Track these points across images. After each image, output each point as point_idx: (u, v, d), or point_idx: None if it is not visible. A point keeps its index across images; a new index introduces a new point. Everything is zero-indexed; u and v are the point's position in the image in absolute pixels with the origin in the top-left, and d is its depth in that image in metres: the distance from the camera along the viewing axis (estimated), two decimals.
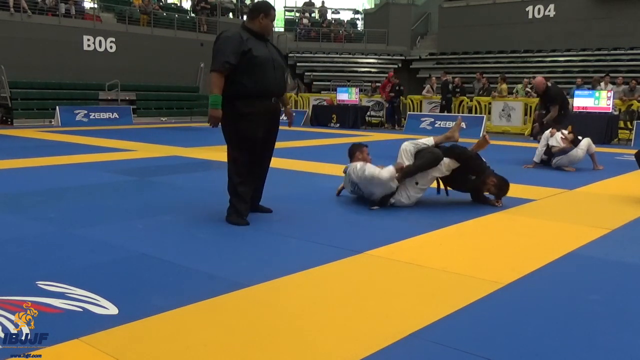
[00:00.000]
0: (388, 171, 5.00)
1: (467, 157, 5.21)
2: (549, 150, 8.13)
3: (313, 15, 26.64)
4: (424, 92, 17.79)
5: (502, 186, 5.32)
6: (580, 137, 8.15)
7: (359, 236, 4.19)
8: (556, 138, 8.10)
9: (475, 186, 5.35)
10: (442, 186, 5.41)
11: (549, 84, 9.18)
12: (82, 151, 9.45)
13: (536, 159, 8.21)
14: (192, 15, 22.56)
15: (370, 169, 5.07)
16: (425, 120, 15.93)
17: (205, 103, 20.46)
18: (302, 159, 8.65)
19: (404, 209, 5.15)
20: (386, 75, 22.57)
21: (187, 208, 5.10)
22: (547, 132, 8.26)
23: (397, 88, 17.17)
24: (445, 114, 16.01)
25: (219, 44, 4.41)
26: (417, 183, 5.14)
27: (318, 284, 3.16)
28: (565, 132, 8.19)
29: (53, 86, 17.12)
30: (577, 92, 13.62)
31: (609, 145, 12.32)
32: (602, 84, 14.72)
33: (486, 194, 5.38)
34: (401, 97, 17.34)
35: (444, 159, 5.11)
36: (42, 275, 3.13)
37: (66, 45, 17.59)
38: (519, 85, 16.15)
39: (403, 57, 23.56)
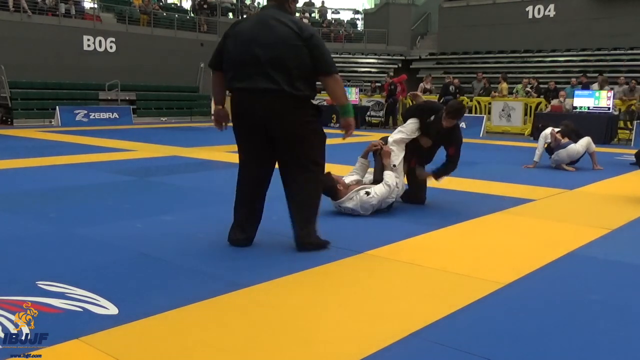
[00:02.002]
0: (390, 177, 4.98)
1: (415, 108, 5.41)
2: (550, 148, 8.15)
3: (313, 15, 26.64)
4: (421, 90, 17.80)
5: (458, 108, 5.17)
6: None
7: (359, 236, 4.18)
8: (545, 132, 8.16)
9: (438, 130, 5.18)
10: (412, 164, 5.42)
11: None
12: (82, 151, 9.45)
13: (536, 158, 8.22)
14: (192, 15, 22.56)
15: (377, 193, 4.84)
16: None
17: (205, 103, 20.48)
18: None
19: (404, 209, 5.14)
20: (385, 75, 22.60)
21: (187, 208, 5.10)
22: (546, 131, 8.28)
23: (391, 87, 17.21)
24: None
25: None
26: (394, 166, 5.15)
27: (318, 284, 3.16)
28: (556, 129, 8.22)
29: (53, 86, 17.11)
30: (577, 92, 13.63)
31: (609, 145, 12.32)
32: (596, 84, 14.70)
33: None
34: (401, 97, 17.33)
35: (409, 124, 5.28)
36: (42, 275, 3.13)
37: (66, 45, 17.59)
38: (519, 85, 16.14)
39: (403, 57, 23.56)
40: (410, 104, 17.48)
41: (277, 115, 3.59)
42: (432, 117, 5.17)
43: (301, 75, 3.56)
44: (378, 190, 4.82)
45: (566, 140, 8.09)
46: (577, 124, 8.85)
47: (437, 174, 5.31)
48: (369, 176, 5.20)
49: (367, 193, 4.79)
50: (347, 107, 3.76)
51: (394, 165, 5.10)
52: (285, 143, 3.69)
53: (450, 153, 5.25)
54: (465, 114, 15.04)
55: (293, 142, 3.68)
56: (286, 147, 3.69)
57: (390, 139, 5.24)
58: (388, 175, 4.95)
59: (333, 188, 4.78)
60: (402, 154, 5.23)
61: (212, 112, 4.00)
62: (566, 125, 8.42)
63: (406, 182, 5.45)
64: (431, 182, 5.37)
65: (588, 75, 15.75)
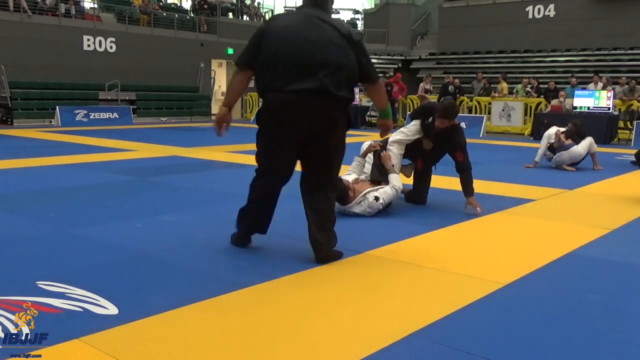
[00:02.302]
0: (397, 180, 4.96)
1: (415, 111, 5.35)
2: (552, 148, 8.15)
3: None
4: (422, 90, 17.80)
5: (446, 107, 5.10)
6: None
7: (359, 236, 4.18)
8: (549, 132, 8.17)
9: (440, 135, 5.14)
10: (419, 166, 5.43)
11: None
12: (82, 151, 9.45)
13: (537, 158, 8.22)
14: (192, 15, 22.55)
15: (385, 198, 4.83)
16: None
17: (205, 103, 20.49)
18: None
19: (404, 209, 5.14)
20: (383, 75, 22.56)
21: (187, 208, 5.10)
22: (550, 131, 8.28)
23: (387, 88, 17.26)
24: None
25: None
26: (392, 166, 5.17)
27: (318, 284, 3.16)
28: (562, 129, 8.22)
29: (53, 86, 17.10)
30: (577, 92, 13.64)
31: (609, 145, 12.32)
32: (592, 83, 14.71)
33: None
34: (400, 97, 17.33)
35: (411, 125, 5.27)
36: (42, 275, 3.13)
37: (66, 45, 17.58)
38: (519, 85, 16.15)
39: (403, 57, 23.56)
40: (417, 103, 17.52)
41: (323, 120, 3.39)
42: (430, 119, 5.16)
43: (348, 79, 3.41)
44: (386, 195, 4.84)
45: (569, 141, 8.10)
46: None
47: (468, 193, 5.05)
48: (362, 176, 5.20)
49: (376, 198, 4.80)
50: (388, 110, 3.72)
51: (392, 166, 5.11)
52: (322, 151, 3.49)
53: (459, 159, 5.08)
54: (460, 114, 14.98)
55: (328, 151, 3.51)
56: (321, 155, 3.50)
57: (391, 139, 5.25)
58: (394, 178, 4.97)
59: (345, 194, 4.77)
60: (401, 154, 5.23)
61: (217, 113, 3.69)
62: (575, 124, 8.41)
63: (407, 181, 5.46)
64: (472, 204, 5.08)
65: (577, 76, 15.81)
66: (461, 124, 5.70)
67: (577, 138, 8.20)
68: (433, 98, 16.99)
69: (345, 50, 3.39)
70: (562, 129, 8.25)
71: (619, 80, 14.91)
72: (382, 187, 4.91)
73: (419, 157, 5.40)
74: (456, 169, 5.13)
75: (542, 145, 8.28)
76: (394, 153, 5.19)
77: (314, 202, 3.58)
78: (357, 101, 17.30)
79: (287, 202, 5.45)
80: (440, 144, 5.20)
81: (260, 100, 3.55)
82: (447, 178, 5.93)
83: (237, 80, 3.55)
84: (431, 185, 5.52)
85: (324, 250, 3.52)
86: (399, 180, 4.97)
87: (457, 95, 16.41)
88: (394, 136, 5.28)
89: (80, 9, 19.19)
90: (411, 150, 5.30)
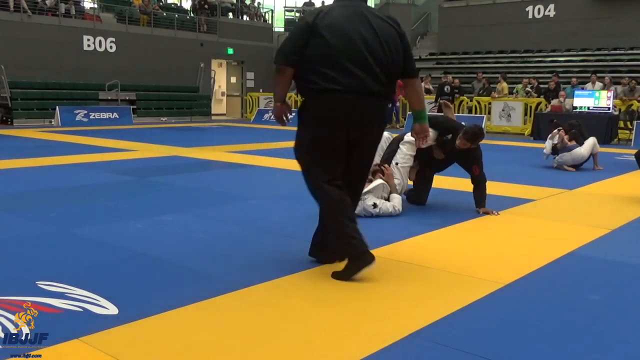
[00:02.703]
0: (398, 202, 4.96)
1: (436, 121, 5.18)
2: (555, 149, 8.16)
3: None
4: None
5: (475, 132, 5.04)
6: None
7: None
8: (554, 134, 8.18)
9: (456, 151, 5.12)
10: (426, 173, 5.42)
11: None
12: (82, 151, 9.45)
13: (546, 151, 8.26)
14: (192, 15, 22.55)
15: (382, 210, 4.85)
16: None
17: (205, 103, 20.48)
18: None
19: (404, 209, 5.14)
20: None
21: (187, 208, 5.10)
22: (555, 131, 8.29)
23: None
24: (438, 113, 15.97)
25: None
26: (396, 164, 5.17)
27: (318, 284, 3.15)
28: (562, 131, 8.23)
29: (53, 86, 17.11)
30: (577, 92, 13.63)
31: (609, 145, 12.32)
32: (590, 83, 14.70)
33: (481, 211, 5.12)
34: (401, 97, 17.32)
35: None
36: (42, 275, 3.13)
37: (66, 45, 17.58)
38: (519, 85, 16.14)
39: None
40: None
41: (376, 120, 3.26)
42: (450, 136, 5.15)
43: (396, 75, 3.26)
44: (384, 208, 4.84)
45: (573, 143, 8.10)
46: None
47: (480, 205, 5.08)
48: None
49: (375, 205, 4.82)
50: (424, 112, 3.46)
51: (397, 164, 5.12)
52: (365, 152, 3.35)
53: (475, 173, 5.10)
54: (460, 114, 14.88)
55: (370, 151, 3.40)
56: (365, 156, 3.37)
57: (406, 137, 5.25)
58: (396, 199, 4.97)
59: None
60: (412, 156, 5.23)
61: (273, 109, 3.43)
62: (572, 125, 8.42)
63: (410, 183, 5.46)
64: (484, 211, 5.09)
65: (577, 76, 15.81)
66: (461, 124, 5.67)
67: (581, 139, 8.20)
68: (430, 98, 17.02)
69: (396, 44, 3.21)
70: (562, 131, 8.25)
71: (622, 81, 14.90)
72: (382, 193, 4.93)
73: (426, 165, 5.40)
74: (472, 181, 5.16)
75: (547, 146, 8.27)
76: (404, 152, 5.19)
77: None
78: None
79: (287, 202, 5.46)
80: (453, 157, 5.23)
81: (300, 99, 3.31)
82: (447, 178, 5.93)
83: (279, 79, 3.26)
84: (434, 186, 5.53)
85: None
86: (400, 203, 4.96)
87: (456, 95, 16.40)
88: (407, 136, 5.27)
89: (80, 9, 19.19)
90: (419, 155, 5.29)
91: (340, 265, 3.29)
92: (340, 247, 3.27)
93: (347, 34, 3.11)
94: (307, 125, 3.25)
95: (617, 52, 19.03)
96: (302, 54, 3.14)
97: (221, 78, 22.98)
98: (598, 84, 14.50)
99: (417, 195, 5.45)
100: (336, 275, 3.20)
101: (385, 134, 5.14)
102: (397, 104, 16.92)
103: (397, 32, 3.24)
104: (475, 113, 15.83)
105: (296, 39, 3.19)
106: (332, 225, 3.23)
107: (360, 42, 3.11)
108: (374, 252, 3.72)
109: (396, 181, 5.05)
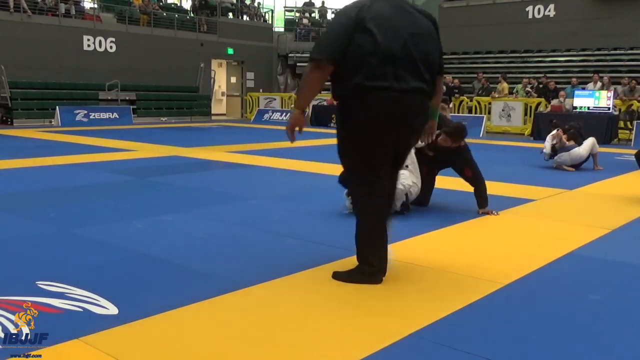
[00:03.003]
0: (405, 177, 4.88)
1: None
2: (554, 149, 8.16)
3: (313, 15, 26.63)
4: None
5: (455, 129, 5.03)
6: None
7: None
8: (554, 134, 8.18)
9: (441, 149, 5.10)
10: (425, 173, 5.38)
11: None
12: (82, 151, 9.45)
13: (546, 150, 8.27)
14: (192, 15, 22.56)
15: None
16: None
17: (205, 103, 20.48)
18: (302, 158, 8.65)
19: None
20: None
21: (187, 208, 5.10)
22: (554, 132, 8.29)
23: None
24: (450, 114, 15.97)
25: None
26: (407, 166, 5.11)
27: (318, 284, 3.15)
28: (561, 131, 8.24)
29: (53, 86, 17.11)
30: (577, 92, 13.63)
31: (609, 145, 12.32)
32: (591, 83, 14.68)
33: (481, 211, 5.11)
34: None
35: None
36: (42, 275, 3.13)
37: (66, 45, 17.59)
38: (519, 85, 16.15)
39: None
40: None
41: (421, 120, 3.16)
42: (437, 132, 5.10)
43: (436, 73, 3.16)
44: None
45: (572, 143, 8.10)
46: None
47: (482, 206, 5.07)
48: None
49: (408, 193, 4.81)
50: (437, 110, 3.43)
51: (407, 166, 5.08)
52: (404, 153, 3.28)
53: (467, 174, 5.09)
54: (460, 114, 14.84)
55: (408, 151, 3.34)
56: (403, 157, 3.30)
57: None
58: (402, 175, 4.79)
59: None
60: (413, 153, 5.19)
61: (291, 117, 3.19)
62: (571, 125, 8.42)
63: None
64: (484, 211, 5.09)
65: (577, 76, 15.81)
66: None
67: (580, 139, 8.20)
68: None
69: (435, 39, 3.11)
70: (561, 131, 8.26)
71: (622, 81, 14.90)
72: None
73: (425, 163, 5.38)
74: (469, 183, 5.13)
75: (547, 146, 8.27)
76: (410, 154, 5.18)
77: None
78: None
79: (287, 202, 5.46)
80: (442, 157, 5.17)
81: (340, 98, 3.12)
82: (447, 178, 5.92)
83: (316, 77, 3.03)
84: (437, 187, 5.52)
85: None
86: (408, 178, 4.85)
87: (456, 95, 16.39)
88: None
89: (80, 9, 19.19)
90: (418, 153, 5.27)
91: (341, 266, 3.29)
92: (361, 261, 3.17)
93: (392, 29, 2.95)
94: (354, 127, 3.07)
95: (617, 52, 19.02)
96: (346, 50, 2.94)
97: (221, 78, 22.97)
98: (599, 84, 14.50)
99: (420, 195, 5.42)
100: (337, 276, 3.18)
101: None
102: None
103: (435, 26, 3.13)
104: (475, 113, 15.83)
105: (340, 34, 2.96)
106: (364, 244, 3.15)
107: (407, 37, 2.97)
108: None
109: (412, 182, 4.98)
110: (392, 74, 2.94)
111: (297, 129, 3.16)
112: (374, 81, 2.94)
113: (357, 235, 3.18)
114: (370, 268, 3.11)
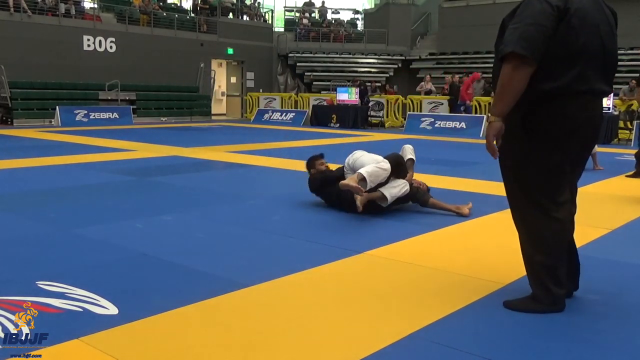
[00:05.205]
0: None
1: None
2: None
3: (313, 15, 26.65)
4: (424, 90, 17.85)
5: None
6: None
7: (359, 236, 4.18)
8: None
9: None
10: None
11: None
12: (82, 151, 9.45)
13: None
14: (192, 15, 22.56)
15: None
16: (425, 120, 15.92)
17: (205, 103, 20.49)
18: (302, 159, 8.63)
19: (404, 209, 5.15)
20: (386, 75, 22.54)
21: (187, 208, 5.10)
22: None
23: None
24: (451, 114, 15.94)
25: None
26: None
27: (318, 284, 3.16)
28: None
29: (53, 86, 17.12)
30: None
31: (609, 145, 12.32)
32: None
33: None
34: (400, 97, 17.35)
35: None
36: (42, 275, 3.13)
37: (66, 45, 17.60)
38: None
39: (403, 57, 23.58)
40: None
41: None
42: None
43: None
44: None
45: None
46: None
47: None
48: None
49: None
50: None
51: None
52: (584, 164, 3.00)
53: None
54: (465, 114, 14.73)
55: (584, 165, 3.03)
56: (582, 169, 2.98)
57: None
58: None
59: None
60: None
61: (489, 128, 2.71)
62: None
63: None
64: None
65: None
66: (461, 124, 5.65)
67: None
68: (438, 98, 17.03)
69: (616, 36, 2.77)
70: None
71: (630, 82, 14.86)
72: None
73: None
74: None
75: None
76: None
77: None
78: (356, 101, 17.31)
79: (287, 202, 5.47)
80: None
81: (530, 105, 2.63)
82: (447, 178, 5.93)
83: (520, 77, 2.53)
84: (431, 185, 5.52)
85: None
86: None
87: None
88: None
89: (80, 9, 19.21)
90: None
91: (341, 265, 3.28)
92: (539, 284, 2.79)
93: (593, 24, 2.59)
94: (541, 140, 2.65)
95: (617, 52, 19.02)
96: (548, 47, 2.51)
97: (221, 78, 22.98)
98: None
99: (423, 194, 5.42)
100: (510, 304, 2.81)
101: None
102: (469, 102, 16.00)
103: (616, 22, 2.79)
104: (475, 113, 15.83)
105: (544, 25, 2.49)
106: (552, 271, 2.76)
107: (603, 35, 2.63)
108: (374, 252, 3.75)
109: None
110: (592, 76, 2.61)
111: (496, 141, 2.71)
112: (578, 85, 2.58)
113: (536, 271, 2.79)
114: (558, 291, 2.75)
